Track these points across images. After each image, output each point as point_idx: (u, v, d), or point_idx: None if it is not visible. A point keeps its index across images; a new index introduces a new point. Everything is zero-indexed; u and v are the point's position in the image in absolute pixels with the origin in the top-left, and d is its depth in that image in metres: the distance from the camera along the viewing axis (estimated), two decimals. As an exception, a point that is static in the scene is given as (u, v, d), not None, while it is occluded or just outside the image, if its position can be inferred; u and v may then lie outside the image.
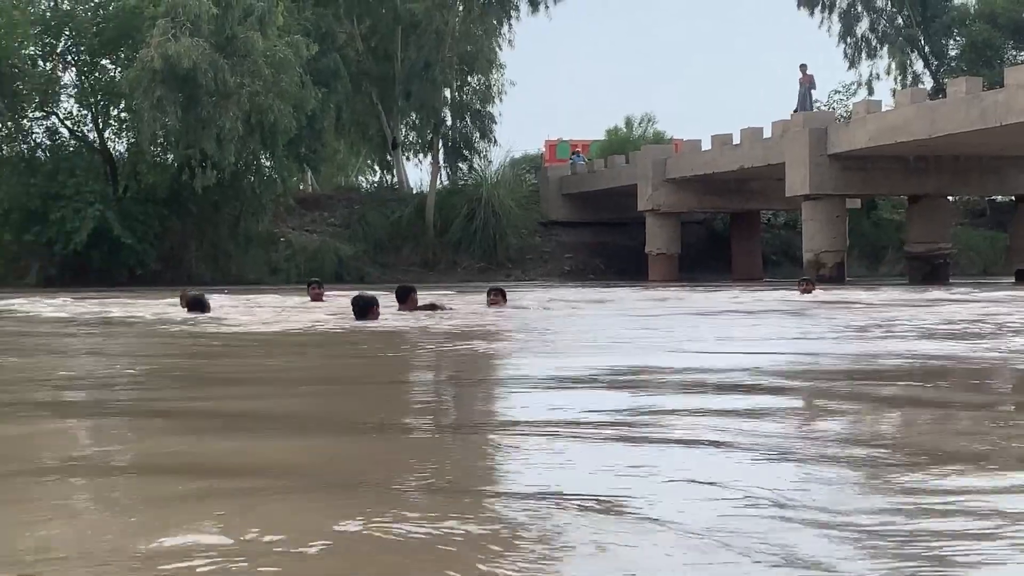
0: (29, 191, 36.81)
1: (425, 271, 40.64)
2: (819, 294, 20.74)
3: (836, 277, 30.89)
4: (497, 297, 16.81)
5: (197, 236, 38.99)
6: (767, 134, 33.82)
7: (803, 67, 35.19)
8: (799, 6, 48.02)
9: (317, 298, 19.04)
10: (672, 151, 39.43)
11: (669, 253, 38.60)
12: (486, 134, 44.69)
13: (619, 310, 18.23)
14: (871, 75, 48.96)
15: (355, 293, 14.29)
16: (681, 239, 39.19)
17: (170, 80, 34.67)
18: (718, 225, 43.30)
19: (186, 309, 15.68)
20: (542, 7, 43.45)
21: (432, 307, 15.20)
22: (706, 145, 36.87)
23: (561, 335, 11.41)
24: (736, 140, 35.13)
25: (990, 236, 43.13)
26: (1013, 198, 37.95)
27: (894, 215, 41.76)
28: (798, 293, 20.95)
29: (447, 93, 44.05)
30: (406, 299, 14.97)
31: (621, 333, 11.74)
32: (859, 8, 48.52)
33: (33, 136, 39.71)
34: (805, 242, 32.18)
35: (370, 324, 12.45)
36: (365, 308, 12.90)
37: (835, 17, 48.54)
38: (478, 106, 44.71)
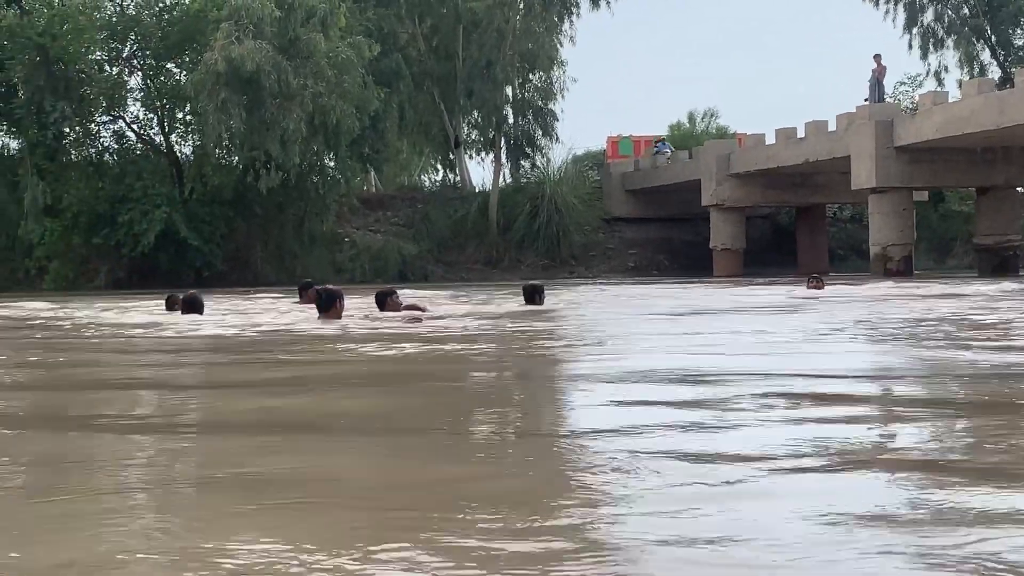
0: (97, 195, 37.33)
1: (489, 269, 40.81)
2: (828, 290, 20.16)
3: (904, 270, 30.44)
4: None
5: (262, 237, 39.13)
6: (832, 127, 33.37)
7: (877, 57, 34.70)
8: (864, -1, 47.28)
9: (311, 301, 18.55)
10: (736, 146, 39.05)
11: (734, 248, 38.31)
12: (548, 131, 44.65)
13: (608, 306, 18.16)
14: (938, 66, 48.10)
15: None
16: (746, 234, 38.92)
17: (234, 83, 34.95)
18: (783, 219, 42.88)
19: (180, 311, 14.98)
20: (603, 3, 43.20)
21: (413, 308, 14.56)
22: (770, 139, 36.47)
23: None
24: (800, 134, 34.71)
25: (1061, 227, 42.13)
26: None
27: (962, 207, 40.97)
28: (805, 288, 20.55)
29: (509, 91, 44.12)
30: (384, 303, 14.16)
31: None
32: (924, -2, 47.70)
33: (101, 140, 40.16)
34: (872, 235, 31.65)
35: (326, 326, 11.76)
36: (329, 302, 12.33)
37: (900, 8, 47.68)
38: (540, 103, 44.69)
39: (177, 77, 39.55)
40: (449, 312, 14.67)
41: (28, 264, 37.02)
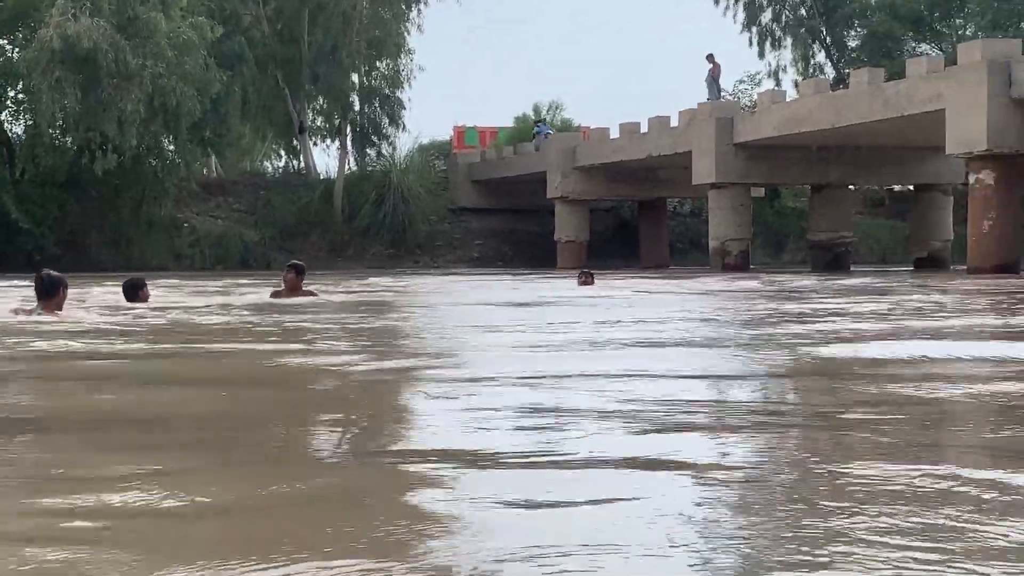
0: None
1: (333, 257, 40.28)
2: (596, 287, 19.63)
3: (742, 264, 31.19)
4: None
5: (98, 221, 38.28)
6: (674, 123, 33.87)
7: (710, 57, 35.29)
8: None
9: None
10: (581, 139, 39.40)
11: (578, 240, 38.59)
12: (395, 119, 44.55)
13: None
14: (776, 65, 49.34)
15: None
16: (590, 226, 39.22)
17: (69, 61, 34.33)
18: (626, 213, 43.33)
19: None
20: None
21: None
22: (614, 134, 36.90)
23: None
24: (644, 129, 35.17)
25: (889, 225, 43.57)
26: (912, 187, 38.34)
27: (796, 204, 42.06)
28: (576, 285, 20.25)
29: (355, 78, 43.90)
30: (136, 295, 13.64)
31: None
32: (763, -1, 48.74)
33: None
34: (711, 230, 32.28)
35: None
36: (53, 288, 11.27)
37: (740, 7, 48.69)
38: (387, 91, 44.51)
39: (9, 54, 38.86)
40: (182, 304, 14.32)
41: None
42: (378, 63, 44.17)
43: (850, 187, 35.02)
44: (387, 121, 44.59)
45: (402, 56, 43.97)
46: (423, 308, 14.87)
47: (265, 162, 51.29)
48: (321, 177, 45.11)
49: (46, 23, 34.45)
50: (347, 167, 44.15)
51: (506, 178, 42.48)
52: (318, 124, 46.31)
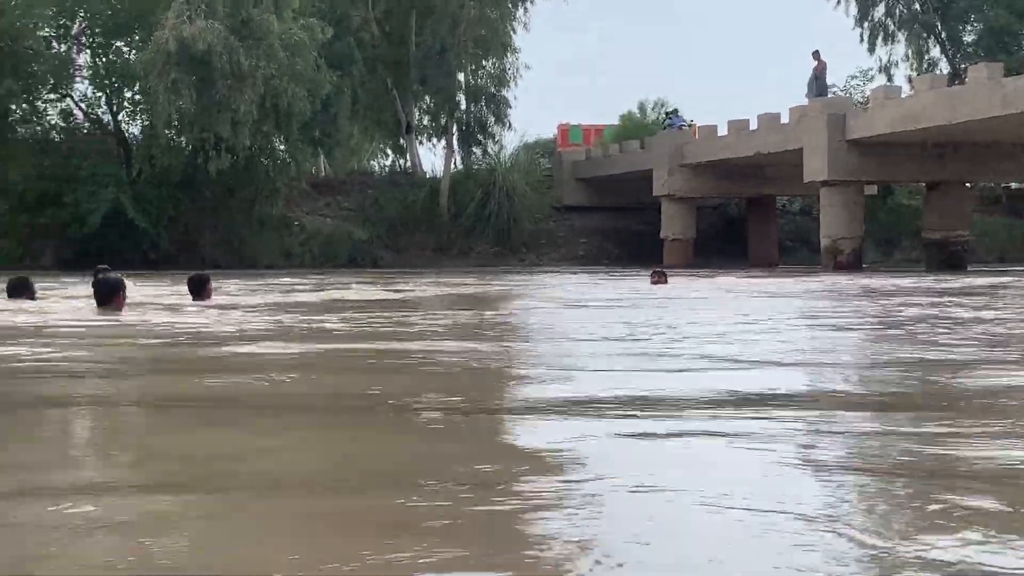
0: (43, 173, 37.32)
1: (439, 255, 40.58)
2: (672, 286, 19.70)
3: (853, 263, 30.60)
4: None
5: (211, 220, 38.82)
6: (784, 120, 33.33)
7: (816, 54, 34.68)
8: (822, -4, 47.55)
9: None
10: (688, 137, 39.05)
11: (684, 238, 38.27)
12: (500, 118, 44.62)
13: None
14: (888, 61, 48.40)
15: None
16: (696, 224, 38.91)
17: (184, 63, 34.83)
18: (733, 210, 43.01)
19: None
20: None
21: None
22: (722, 131, 36.47)
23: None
24: (753, 126, 34.69)
25: (1007, 223, 42.44)
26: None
27: (911, 201, 41.10)
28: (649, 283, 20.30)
29: (461, 77, 44.05)
30: (202, 291, 14.06)
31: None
32: (876, -9, 47.95)
33: (47, 118, 40.16)
34: (823, 228, 31.66)
35: (98, 318, 11.09)
36: (109, 294, 11.62)
37: (852, 2, 47.86)
38: (493, 90, 44.65)
39: (127, 56, 39.32)
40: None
41: None
42: (484, 62, 44.38)
43: (967, 185, 34.16)
44: (493, 120, 44.70)
45: (508, 55, 44.10)
46: (469, 310, 14.86)
47: (373, 161, 51.72)
48: (427, 176, 45.34)
49: (162, 25, 35.00)
50: (453, 166, 44.39)
51: (612, 176, 42.30)
52: (425, 123, 46.61)
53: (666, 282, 19.82)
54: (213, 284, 14.53)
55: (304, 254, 39.03)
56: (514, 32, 43.91)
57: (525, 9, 44.09)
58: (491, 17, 42.70)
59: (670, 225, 38.27)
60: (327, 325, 10.73)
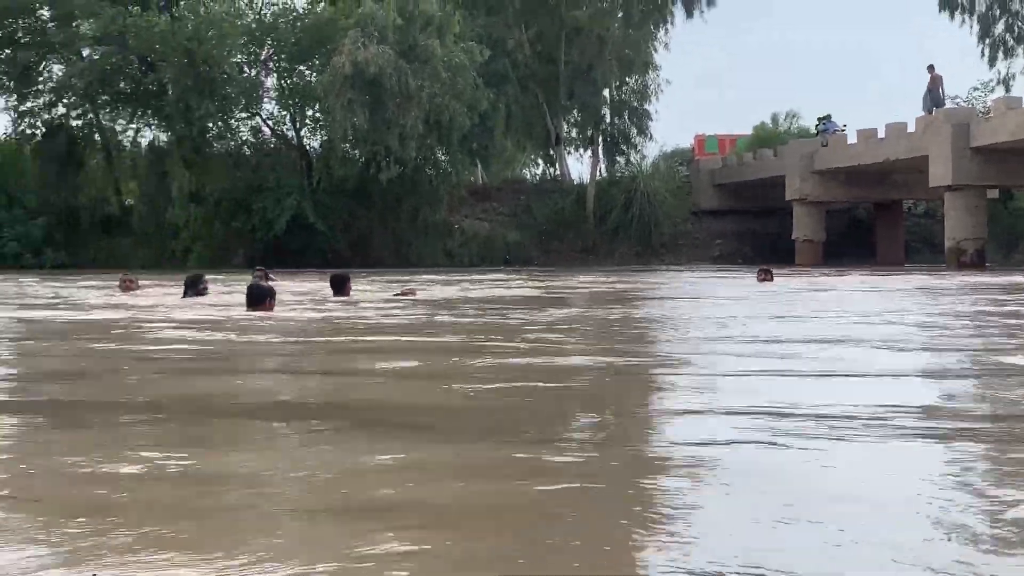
0: (236, 184, 38.57)
1: (585, 256, 41.32)
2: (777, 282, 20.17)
3: (977, 263, 31.08)
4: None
5: (381, 224, 39.76)
6: (911, 129, 33.90)
7: (931, 68, 35.15)
8: (940, 9, 47.53)
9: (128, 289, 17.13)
10: (819, 145, 39.53)
11: (815, 240, 38.80)
12: (642, 130, 45.19)
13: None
14: (1007, 74, 48.10)
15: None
16: (826, 227, 39.30)
17: (359, 84, 35.62)
18: (861, 214, 43.09)
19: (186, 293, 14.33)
20: (696, 13, 43.72)
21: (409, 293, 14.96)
22: (851, 139, 37.06)
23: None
24: (881, 135, 35.24)
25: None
26: None
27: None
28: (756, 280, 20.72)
29: (606, 93, 44.49)
30: (342, 289, 14.44)
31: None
32: (996, 11, 47.77)
33: (239, 135, 41.15)
34: (947, 230, 32.22)
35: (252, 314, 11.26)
36: (258, 300, 11.67)
37: (975, 19, 47.82)
38: (635, 104, 45.14)
39: (308, 78, 40.09)
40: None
41: (175, 245, 38.27)
42: (628, 79, 44.74)
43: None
44: (635, 131, 45.19)
45: (650, 72, 44.49)
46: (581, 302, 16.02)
47: (525, 170, 51.70)
48: (575, 183, 45.84)
49: (339, 51, 35.78)
50: (598, 174, 44.87)
51: (746, 182, 42.90)
52: (572, 135, 46.80)
53: (772, 279, 20.43)
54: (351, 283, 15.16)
55: (463, 255, 39.83)
56: (655, 51, 44.21)
57: (666, 30, 44.33)
58: (634, 37, 42.97)
59: (801, 227, 38.88)
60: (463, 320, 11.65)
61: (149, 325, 10.72)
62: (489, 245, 40.92)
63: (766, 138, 45.55)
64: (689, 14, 43.57)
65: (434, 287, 19.78)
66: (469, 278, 25.42)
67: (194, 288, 14.23)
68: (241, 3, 40.39)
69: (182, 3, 38.61)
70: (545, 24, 43.27)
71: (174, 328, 10.30)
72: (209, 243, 38.41)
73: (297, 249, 37.25)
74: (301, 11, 40.69)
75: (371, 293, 16.57)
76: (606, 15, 42.70)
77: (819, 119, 42.21)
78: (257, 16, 40.52)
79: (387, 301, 14.44)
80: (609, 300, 16.68)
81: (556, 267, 37.90)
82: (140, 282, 18.00)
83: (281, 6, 40.94)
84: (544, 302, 15.57)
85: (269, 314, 11.35)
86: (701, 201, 44.49)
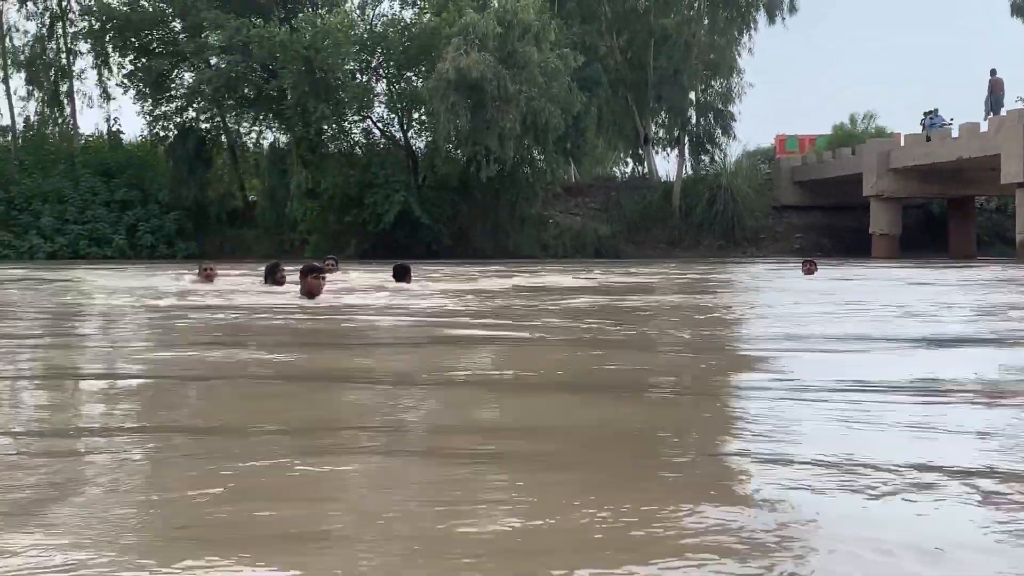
0: (348, 181, 39.22)
1: (671, 248, 41.62)
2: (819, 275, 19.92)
3: (1048, 256, 31.15)
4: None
5: (481, 218, 40.36)
6: (983, 128, 33.93)
7: (992, 72, 35.18)
8: (1012, 15, 47.06)
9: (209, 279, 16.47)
10: (894, 144, 39.62)
11: (891, 234, 38.79)
12: (726, 130, 44.98)
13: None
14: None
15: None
16: (901, 221, 39.26)
17: (461, 88, 36.05)
18: (935, 209, 42.91)
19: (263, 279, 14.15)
20: (779, 19, 43.65)
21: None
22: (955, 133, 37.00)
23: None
24: (955, 134, 35.28)
25: None
26: None
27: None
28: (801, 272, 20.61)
29: (692, 95, 44.48)
30: (404, 277, 14.46)
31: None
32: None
33: (352, 136, 41.67)
34: (1018, 225, 32.16)
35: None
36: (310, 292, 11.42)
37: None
38: (719, 106, 44.96)
39: (415, 83, 40.60)
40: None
41: (293, 237, 39.29)
42: (712, 82, 44.59)
43: None
44: (719, 132, 44.95)
45: (734, 76, 44.35)
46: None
47: (614, 168, 51.34)
48: (662, 180, 45.71)
49: (443, 58, 36.19)
50: (684, 171, 44.88)
51: (825, 179, 42.85)
52: (660, 135, 46.60)
53: (816, 271, 20.34)
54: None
55: (557, 246, 40.20)
56: (739, 56, 44.11)
57: (749, 36, 44.09)
58: (719, 43, 42.95)
59: (878, 222, 38.90)
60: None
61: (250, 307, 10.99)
62: (581, 237, 41.14)
63: (844, 137, 45.45)
64: (771, 20, 43.37)
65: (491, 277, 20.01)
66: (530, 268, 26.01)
67: (272, 276, 14.05)
68: (354, 14, 41.09)
69: (300, 15, 39.53)
70: (635, 31, 43.51)
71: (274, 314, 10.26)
72: (324, 235, 39.10)
73: (404, 241, 37.91)
74: (409, 21, 41.30)
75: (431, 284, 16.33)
76: (692, 22, 42.80)
77: (925, 113, 40.39)
78: (368, 26, 41.12)
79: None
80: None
81: (644, 258, 38.01)
82: (217, 270, 17.57)
83: (390, 17, 41.72)
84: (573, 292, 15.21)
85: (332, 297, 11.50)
86: (782, 197, 44.52)
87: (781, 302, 12.47)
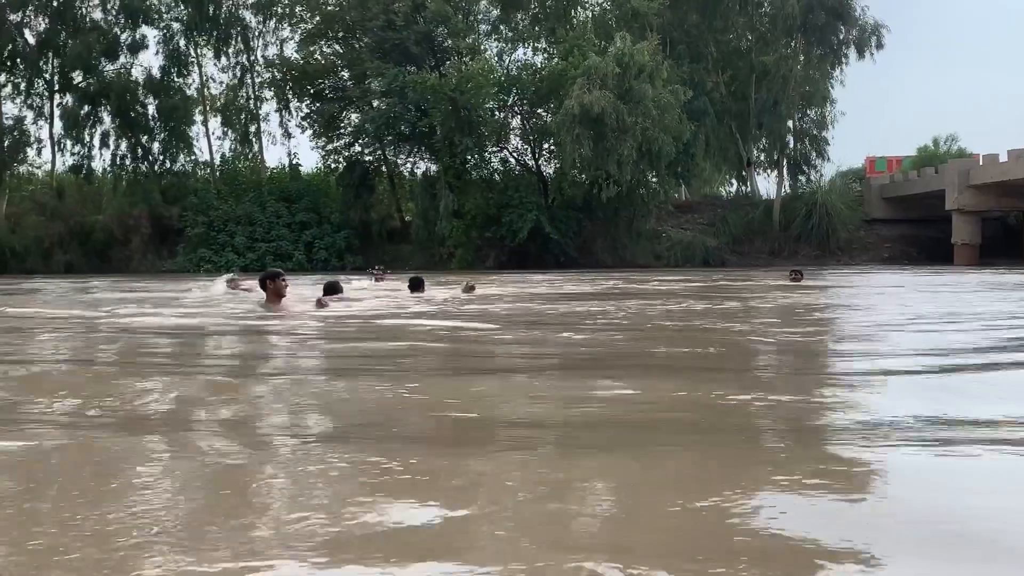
0: (488, 202, 39.85)
1: (771, 258, 41.36)
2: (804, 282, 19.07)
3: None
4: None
5: (602, 233, 40.34)
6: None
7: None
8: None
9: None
10: (973, 163, 39.09)
11: (972, 244, 38.33)
12: (821, 153, 44.81)
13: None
14: None
15: None
16: (981, 232, 38.70)
17: (585, 122, 36.23)
18: (1012, 221, 41.95)
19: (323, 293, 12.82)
20: (867, 54, 43.34)
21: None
22: (1003, 158, 36.52)
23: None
24: (1029, 154, 34.78)
25: None
26: None
27: None
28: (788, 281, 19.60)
29: (790, 123, 44.29)
30: (418, 288, 14.00)
31: None
32: None
33: (491, 164, 42.15)
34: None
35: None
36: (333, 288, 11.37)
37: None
38: (814, 132, 44.77)
39: (545, 118, 40.95)
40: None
41: (442, 251, 40.07)
42: (808, 111, 44.40)
43: None
44: (814, 155, 44.77)
45: (827, 105, 44.12)
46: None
47: (720, 188, 51.62)
48: (763, 198, 45.64)
49: (569, 96, 36.43)
50: (783, 190, 44.69)
51: (910, 195, 42.35)
52: (761, 159, 46.70)
53: (801, 279, 19.13)
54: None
55: (669, 257, 40.10)
56: (831, 87, 43.95)
57: (841, 70, 43.90)
58: (814, 77, 42.88)
59: (959, 233, 38.44)
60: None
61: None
62: (690, 249, 41.07)
63: (928, 157, 44.91)
64: (860, 55, 43.06)
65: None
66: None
67: (333, 291, 12.99)
68: (493, 61, 41.66)
69: (447, 63, 40.47)
70: (738, 68, 43.56)
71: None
72: (468, 249, 39.64)
73: (536, 253, 38.45)
74: (539, 65, 41.90)
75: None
76: (789, 59, 42.67)
77: None
78: (505, 71, 41.80)
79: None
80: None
81: (748, 267, 37.79)
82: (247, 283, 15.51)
83: (523, 62, 42.43)
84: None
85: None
86: (872, 211, 44.04)
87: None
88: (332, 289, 12.42)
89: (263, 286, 10.78)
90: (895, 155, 47.65)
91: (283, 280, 10.60)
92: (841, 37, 42.61)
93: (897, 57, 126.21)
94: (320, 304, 10.72)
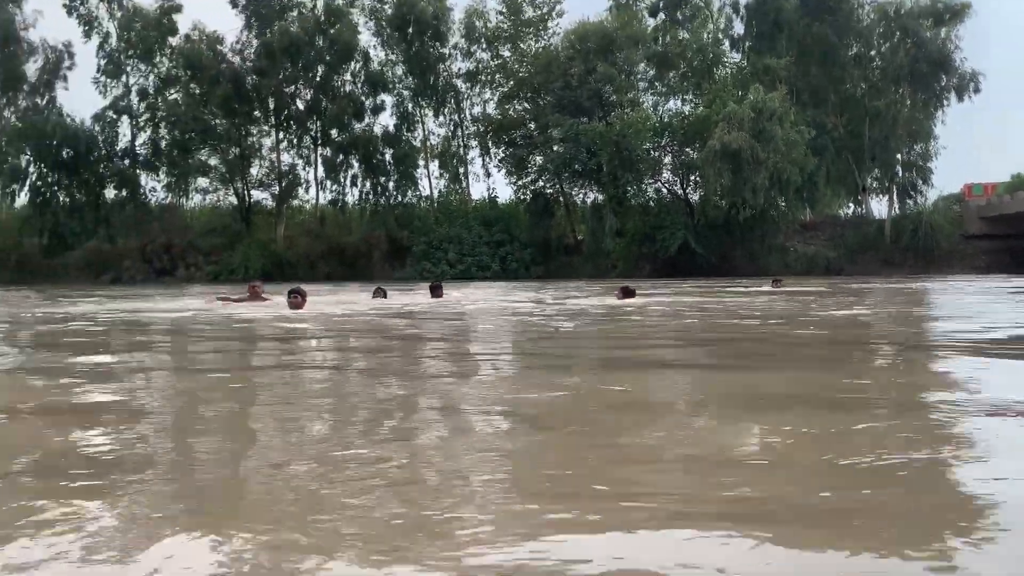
0: (645, 223, 40.77)
1: (881, 267, 40.62)
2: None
3: None
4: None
5: (740, 248, 40.53)
6: None
7: None
8: None
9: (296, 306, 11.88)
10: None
11: (1058, 255, 37.06)
12: (925, 180, 43.97)
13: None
14: None
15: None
16: (1068, 245, 37.37)
17: (724, 157, 36.75)
18: None
19: (430, 293, 13.45)
20: (966, 97, 42.59)
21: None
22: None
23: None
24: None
25: None
26: None
27: None
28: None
29: (898, 156, 43.63)
30: (437, 293, 13.41)
31: None
32: None
33: (646, 193, 42.69)
34: None
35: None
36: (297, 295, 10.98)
37: None
38: (919, 163, 43.95)
39: (691, 155, 41.19)
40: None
41: (607, 263, 40.95)
42: (914, 146, 43.55)
43: None
44: (920, 182, 43.94)
45: (931, 141, 43.36)
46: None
47: (839, 210, 49.83)
48: (875, 218, 44.93)
49: (712, 136, 37.14)
50: (893, 211, 43.96)
51: (1005, 215, 41.09)
52: (874, 186, 45.75)
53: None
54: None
55: (796, 266, 39.97)
56: (934, 126, 43.16)
57: (942, 111, 43.12)
58: (919, 117, 42.21)
59: (1048, 245, 37.36)
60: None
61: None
62: (814, 260, 40.92)
63: (1021, 183, 43.46)
64: (960, 99, 42.48)
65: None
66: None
67: (382, 293, 13.10)
68: (648, 111, 42.50)
69: (612, 114, 41.54)
70: (853, 111, 43.22)
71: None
72: (628, 261, 40.13)
73: (683, 265, 38.87)
74: (687, 112, 42.56)
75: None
76: (898, 103, 42.24)
77: None
78: (659, 118, 42.60)
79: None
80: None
81: (861, 276, 36.71)
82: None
83: (674, 111, 43.19)
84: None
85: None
86: (970, 229, 42.85)
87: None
88: (382, 291, 12.41)
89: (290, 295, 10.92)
90: (991, 181, 46.18)
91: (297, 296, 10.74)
92: (943, 84, 41.92)
93: (992, 94, 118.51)
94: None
